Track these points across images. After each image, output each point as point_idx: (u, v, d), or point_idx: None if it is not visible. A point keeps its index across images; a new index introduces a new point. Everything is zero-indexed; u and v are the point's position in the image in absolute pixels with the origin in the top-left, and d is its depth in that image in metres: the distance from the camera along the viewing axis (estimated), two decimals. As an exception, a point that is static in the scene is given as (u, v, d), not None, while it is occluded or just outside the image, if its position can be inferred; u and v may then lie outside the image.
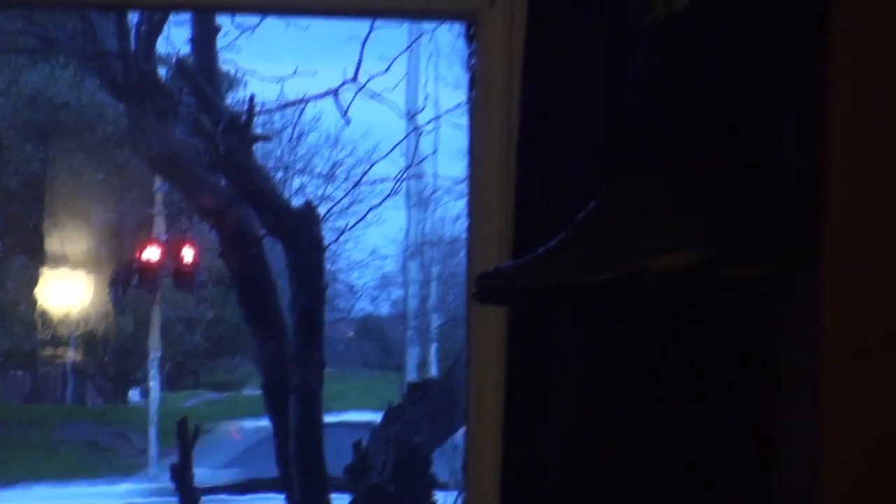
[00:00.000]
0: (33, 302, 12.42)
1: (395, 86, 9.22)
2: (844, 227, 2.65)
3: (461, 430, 8.41)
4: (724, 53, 2.73)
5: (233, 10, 7.46)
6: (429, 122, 9.93)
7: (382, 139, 10.39)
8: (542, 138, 3.23)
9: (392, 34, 9.06)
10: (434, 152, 10.50)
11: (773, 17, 2.73)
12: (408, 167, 10.47)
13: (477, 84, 3.47)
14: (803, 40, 2.73)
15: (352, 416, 12.37)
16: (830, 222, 2.65)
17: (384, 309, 13.67)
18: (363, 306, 13.77)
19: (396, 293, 13.36)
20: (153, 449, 13.91)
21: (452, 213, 12.26)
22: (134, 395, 15.70)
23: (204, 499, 10.61)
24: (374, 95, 9.10)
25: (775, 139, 2.85)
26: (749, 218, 2.80)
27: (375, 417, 10.05)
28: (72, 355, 13.87)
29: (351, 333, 15.27)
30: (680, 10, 2.69)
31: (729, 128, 2.77)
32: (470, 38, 3.51)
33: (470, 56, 3.53)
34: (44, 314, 12.33)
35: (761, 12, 2.73)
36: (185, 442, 10.48)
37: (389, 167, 10.55)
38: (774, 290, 2.90)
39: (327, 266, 10.96)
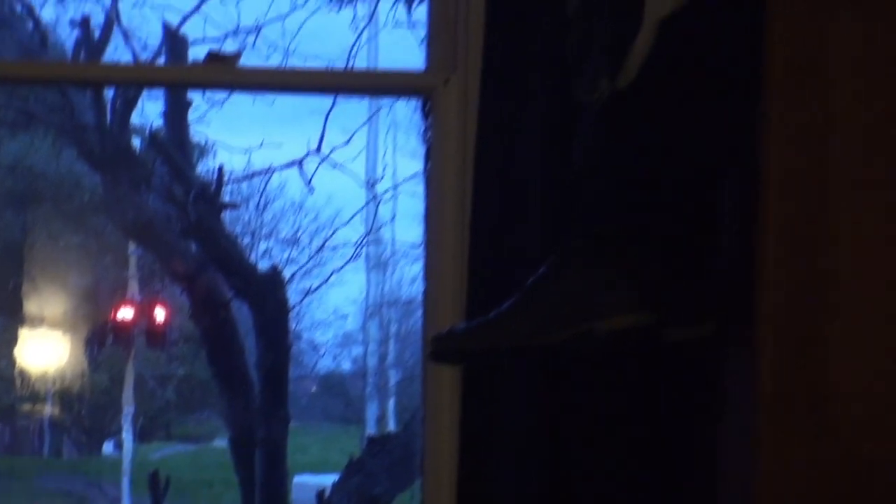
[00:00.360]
0: (12, 360, 12.38)
1: (356, 156, 9.27)
2: (778, 290, 2.66)
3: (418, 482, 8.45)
4: (664, 127, 2.74)
5: (203, 87, 7.49)
6: (387, 190, 9.97)
7: (344, 206, 10.41)
8: (493, 206, 3.24)
9: (353, 108, 9.09)
10: (392, 219, 10.54)
11: (710, 94, 2.75)
12: (368, 233, 10.50)
13: (432, 155, 3.47)
14: (739, 115, 2.74)
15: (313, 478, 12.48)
16: (765, 286, 2.66)
17: (345, 366, 13.68)
18: (326, 363, 13.77)
19: (357, 351, 13.37)
20: (126, 499, 13.84)
21: (409, 275, 12.31)
22: (108, 447, 15.64)
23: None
24: (337, 165, 9.13)
25: (714, 208, 2.87)
26: (690, 282, 2.82)
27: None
28: (49, 410, 13.81)
29: (314, 389, 15.26)
30: (623, 88, 2.70)
31: (669, 197, 2.78)
32: (426, 113, 3.52)
33: (426, 129, 3.54)
34: (22, 371, 12.29)
35: (699, 90, 2.74)
36: (156, 493, 10.47)
37: (351, 232, 10.59)
38: (715, 349, 2.90)
39: (292, 325, 11.00)
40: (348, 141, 9.09)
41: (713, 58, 2.74)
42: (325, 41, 8.88)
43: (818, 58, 2.67)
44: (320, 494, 9.71)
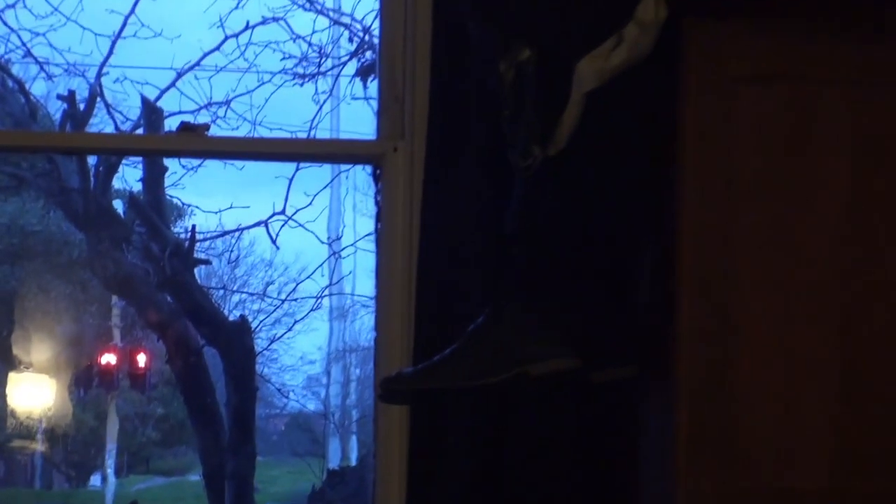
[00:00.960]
0: (5, 401, 12.32)
1: (318, 216, 9.25)
2: (691, 335, 2.68)
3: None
4: (590, 190, 2.75)
5: (177, 155, 7.48)
6: (347, 247, 9.96)
7: (308, 261, 10.40)
8: (437, 263, 3.24)
9: (315, 172, 9.08)
10: (351, 273, 10.52)
11: (630, 159, 2.76)
12: (329, 286, 10.49)
13: (382, 216, 3.48)
14: (655, 179, 2.76)
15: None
16: (681, 332, 2.68)
17: (311, 406, 13.63)
18: (294, 404, 13.73)
19: (321, 392, 13.33)
20: (110, 528, 13.81)
21: (368, 324, 12.33)
22: (95, 479, 15.58)
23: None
24: (300, 225, 9.11)
25: (634, 263, 2.88)
26: (614, 329, 2.82)
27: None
28: (39, 446, 13.73)
29: (283, 427, 15.25)
30: (554, 155, 2.71)
31: (594, 254, 2.79)
32: (377, 178, 3.52)
33: (377, 192, 3.53)
34: (13, 411, 12.23)
35: (622, 156, 2.75)
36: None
37: (314, 285, 10.58)
38: (636, 390, 2.91)
39: (263, 369, 11.02)
40: (311, 203, 9.08)
41: (633, 127, 2.75)
42: (289, 113, 8.89)
43: (724, 127, 2.69)
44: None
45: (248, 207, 9.81)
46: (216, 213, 9.94)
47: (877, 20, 2.72)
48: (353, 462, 12.44)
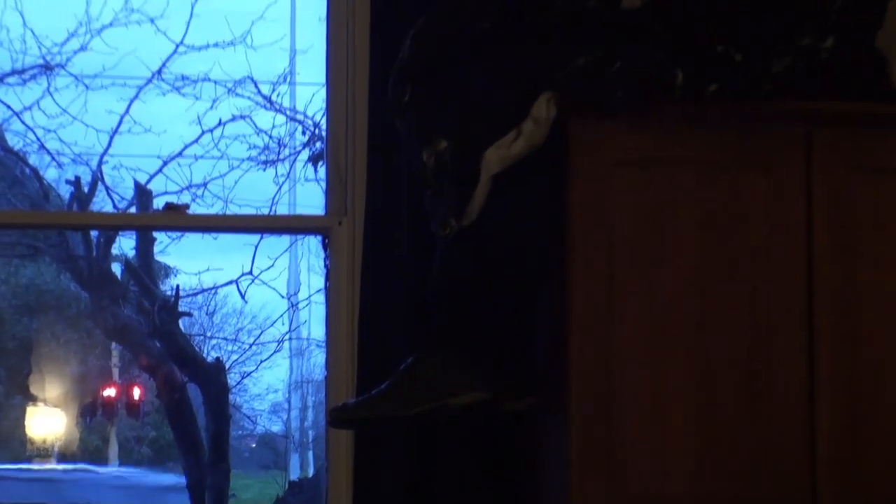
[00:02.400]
0: (24, 429, 12.21)
1: (279, 275, 9.19)
2: (581, 372, 2.67)
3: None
4: (498, 253, 2.74)
5: (164, 228, 7.46)
6: (303, 300, 9.92)
7: (272, 312, 10.33)
8: (375, 313, 3.23)
9: (277, 240, 9.02)
10: (306, 321, 10.48)
11: (531, 229, 2.75)
12: (289, 331, 10.44)
13: (330, 276, 3.46)
14: (551, 246, 2.75)
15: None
16: (573, 369, 2.67)
17: (276, 427, 13.54)
18: (261, 426, 13.65)
19: (283, 416, 13.27)
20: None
21: (321, 362, 12.33)
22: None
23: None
24: (264, 283, 9.07)
25: (533, 313, 2.87)
26: (518, 369, 2.81)
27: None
28: (55, 465, 13.58)
29: (253, 445, 15.14)
30: (467, 226, 2.70)
31: (501, 306, 2.78)
32: (325, 246, 3.50)
33: (326, 257, 3.52)
34: (31, 438, 12.12)
35: (523, 225, 2.75)
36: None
37: (276, 331, 10.53)
38: (538, 417, 2.90)
39: (236, 399, 10.99)
40: (273, 265, 9.03)
41: (531, 202, 2.75)
42: (255, 192, 8.83)
43: (603, 202, 2.70)
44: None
45: (221, 269, 9.80)
46: (196, 274, 9.93)
47: (721, 115, 2.73)
48: (311, 474, 12.35)
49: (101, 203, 8.45)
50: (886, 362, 2.71)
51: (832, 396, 2.69)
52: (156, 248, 9.07)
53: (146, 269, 8.94)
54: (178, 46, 8.41)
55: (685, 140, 2.73)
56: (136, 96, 8.47)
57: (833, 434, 2.68)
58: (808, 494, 2.67)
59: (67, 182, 8.63)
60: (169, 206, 4.30)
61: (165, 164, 8.46)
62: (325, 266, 3.54)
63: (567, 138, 2.69)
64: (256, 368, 11.39)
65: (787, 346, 2.69)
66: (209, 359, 9.69)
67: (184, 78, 8.46)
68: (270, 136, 8.63)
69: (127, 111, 8.44)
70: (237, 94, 8.52)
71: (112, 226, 7.92)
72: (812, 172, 2.72)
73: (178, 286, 9.28)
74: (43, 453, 13.27)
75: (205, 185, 8.51)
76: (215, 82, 8.44)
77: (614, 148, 2.71)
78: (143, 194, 8.33)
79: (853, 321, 2.71)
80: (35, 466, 13.01)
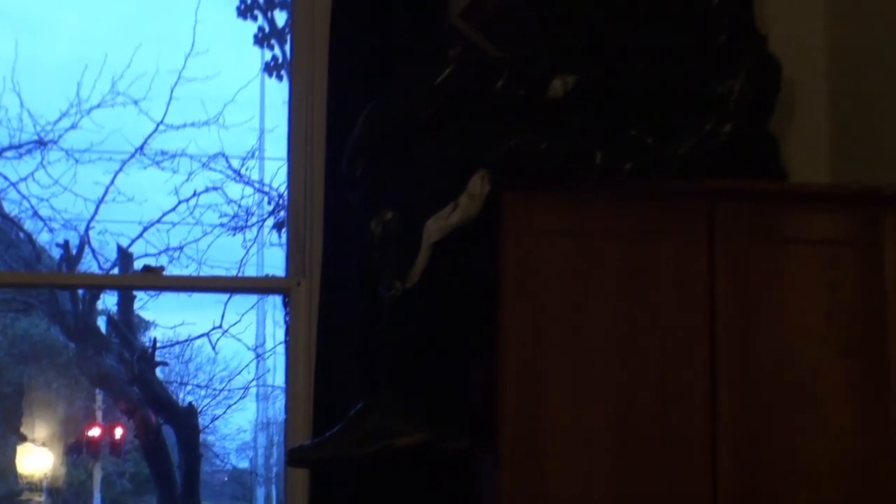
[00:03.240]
0: (16, 466, 12.04)
1: (246, 328, 9.16)
2: (511, 419, 2.65)
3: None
4: (438, 313, 2.74)
5: (142, 288, 7.44)
6: (267, 350, 9.87)
7: (241, 360, 10.27)
8: (329, 364, 3.22)
9: (244, 297, 8.96)
10: (271, 370, 10.43)
11: (467, 293, 2.75)
12: (255, 378, 10.39)
13: (291, 330, 3.45)
14: (485, 307, 2.75)
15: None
16: (503, 416, 2.66)
17: (244, 464, 13.43)
18: (232, 462, 13.54)
19: (251, 453, 13.17)
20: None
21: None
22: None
23: None
24: (233, 336, 9.02)
25: (468, 365, 2.87)
26: (454, 413, 2.80)
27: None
28: (43, 498, 13.38)
29: (225, 479, 15.01)
30: (410, 287, 2.69)
31: (440, 359, 2.78)
32: (286, 303, 3.49)
33: (287, 313, 3.50)
34: (21, 474, 11.95)
35: (461, 289, 2.75)
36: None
37: (244, 377, 10.48)
38: (474, 456, 2.88)
39: (209, 437, 10.91)
40: (240, 320, 8.99)
41: (468, 266, 2.75)
42: (226, 254, 8.77)
43: (533, 266, 2.70)
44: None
45: (195, 323, 9.72)
46: (172, 327, 9.84)
47: (635, 191, 2.74)
48: (274, 504, 12.32)
49: (88, 264, 8.40)
50: (776, 408, 2.71)
51: (731, 438, 2.69)
52: (136, 305, 9.04)
53: (127, 323, 8.90)
54: (158, 125, 8.41)
55: (604, 212, 2.73)
56: (121, 169, 8.45)
57: (732, 473, 2.68)
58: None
59: (58, 245, 8.58)
60: (147, 269, 4.30)
61: (145, 229, 8.43)
62: (286, 321, 3.52)
63: (499, 211, 2.69)
64: (226, 411, 11.34)
65: (692, 394, 2.69)
66: (183, 403, 9.63)
67: (163, 153, 8.46)
68: (239, 206, 8.62)
69: (112, 182, 8.41)
70: (210, 168, 8.52)
71: (97, 285, 7.94)
72: (714, 241, 2.73)
73: (155, 339, 9.25)
74: (33, 487, 13.11)
75: (181, 248, 8.47)
76: (191, 157, 8.44)
77: (541, 219, 2.71)
78: (124, 257, 8.29)
79: (750, 372, 2.71)
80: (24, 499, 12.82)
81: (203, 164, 8.50)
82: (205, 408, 10.83)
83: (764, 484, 2.69)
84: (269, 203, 8.61)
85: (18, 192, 8.46)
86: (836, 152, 3.21)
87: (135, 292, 8.70)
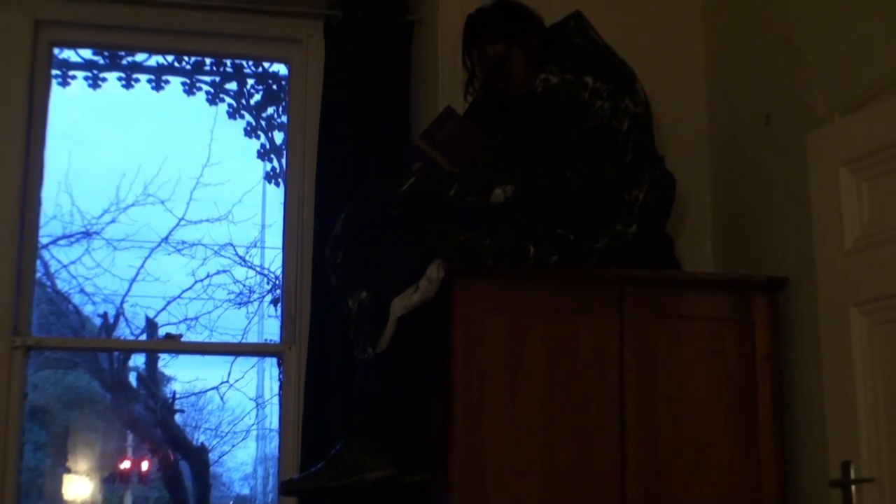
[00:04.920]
0: (62, 494, 11.76)
1: (248, 383, 9.04)
2: (461, 453, 2.60)
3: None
4: (405, 370, 2.69)
5: (165, 351, 7.35)
6: (266, 400, 9.72)
7: (245, 408, 10.09)
8: (314, 412, 3.16)
9: (247, 358, 8.84)
10: (268, 416, 10.29)
11: (428, 352, 2.71)
12: (255, 422, 10.25)
13: (283, 387, 3.38)
14: (441, 362, 2.70)
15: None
16: (454, 452, 2.60)
17: (245, 490, 13.19)
18: (236, 489, 13.28)
19: (252, 482, 12.93)
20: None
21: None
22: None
23: None
24: (238, 389, 8.91)
25: (425, 412, 2.81)
26: (416, 450, 2.75)
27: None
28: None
29: (231, 503, 14.74)
30: (379, 353, 2.65)
31: (405, 411, 2.73)
32: (280, 364, 3.42)
33: (280, 372, 3.44)
34: (67, 500, 11.66)
35: (424, 351, 2.70)
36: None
37: (246, 422, 10.30)
38: (431, 489, 2.82)
39: (217, 468, 10.71)
40: (243, 376, 8.87)
41: (426, 336, 2.70)
42: (233, 324, 8.64)
43: (478, 337, 2.67)
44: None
45: (206, 379, 9.59)
46: (188, 382, 9.70)
47: (561, 278, 2.72)
48: (271, 527, 12.10)
49: (122, 331, 8.26)
50: (673, 449, 2.69)
51: (637, 475, 2.66)
52: (159, 364, 8.92)
53: (152, 378, 8.78)
54: (180, 220, 8.33)
55: (534, 294, 2.71)
56: (149, 255, 8.36)
57: (637, 501, 2.64)
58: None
59: (98, 315, 8.46)
60: (168, 336, 4.25)
61: (168, 303, 8.31)
62: (280, 378, 3.45)
63: (451, 292, 2.66)
64: (231, 449, 11.16)
65: (604, 437, 2.67)
66: (197, 443, 9.46)
67: (183, 243, 8.38)
68: (244, 285, 8.53)
69: (142, 265, 8.32)
70: (221, 255, 8.43)
71: (128, 349, 7.84)
72: (623, 318, 2.72)
73: (174, 391, 9.12)
74: (76, 512, 12.81)
75: (196, 318, 8.36)
76: (205, 246, 8.36)
77: (485, 299, 2.68)
78: (151, 325, 8.17)
79: (651, 421, 2.69)
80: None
81: (215, 252, 8.42)
82: (214, 446, 10.67)
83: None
84: (267, 283, 8.52)
85: (69, 272, 8.35)
86: (717, 249, 3.22)
87: (159, 354, 8.58)
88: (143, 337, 7.92)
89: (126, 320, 8.43)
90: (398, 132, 3.22)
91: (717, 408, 2.71)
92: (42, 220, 3.30)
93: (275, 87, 3.68)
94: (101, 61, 3.51)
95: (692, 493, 2.67)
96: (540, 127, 2.75)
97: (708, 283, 2.85)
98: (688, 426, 2.69)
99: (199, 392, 9.97)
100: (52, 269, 8.21)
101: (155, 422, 8.80)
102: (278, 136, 3.72)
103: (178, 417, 9.26)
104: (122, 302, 8.30)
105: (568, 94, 2.72)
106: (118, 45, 3.47)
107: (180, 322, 8.44)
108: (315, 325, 3.21)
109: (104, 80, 3.52)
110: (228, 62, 3.60)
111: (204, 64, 3.63)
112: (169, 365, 9.47)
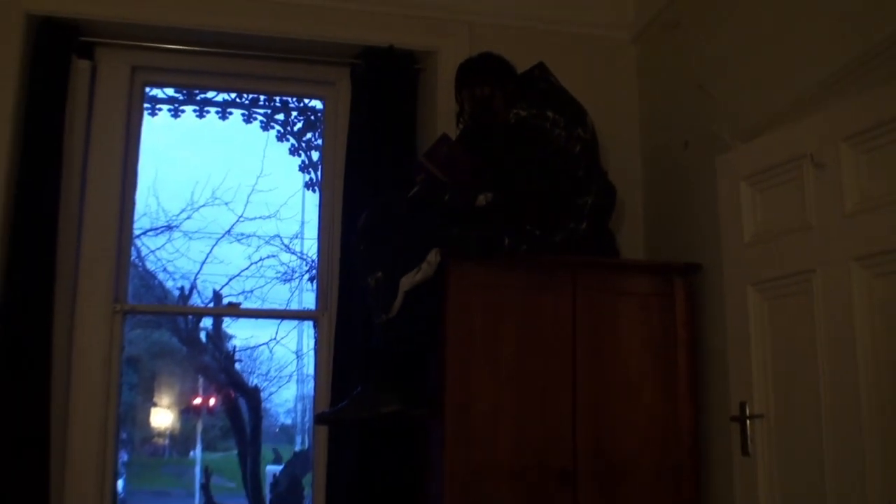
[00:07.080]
0: (150, 421, 11.70)
1: (291, 339, 8.94)
2: (452, 394, 2.56)
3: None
4: (405, 334, 2.65)
5: (228, 315, 7.26)
6: (304, 353, 9.56)
7: (288, 360, 9.95)
8: (341, 365, 3.08)
9: (290, 322, 8.71)
10: (305, 365, 10.09)
11: (425, 317, 2.67)
12: (296, 370, 10.02)
13: (317, 343, 3.32)
14: (437, 330, 2.66)
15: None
16: (448, 394, 2.57)
17: (288, 420, 12.96)
18: (281, 420, 12.97)
19: (293, 415, 12.69)
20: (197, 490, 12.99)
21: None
22: (193, 453, 14.60)
23: None
24: (282, 344, 8.79)
25: (427, 365, 2.77)
26: (415, 391, 2.70)
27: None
28: (167, 441, 12.95)
29: (276, 430, 14.24)
30: (392, 318, 2.61)
31: (409, 363, 2.69)
32: (315, 326, 3.36)
33: (315, 332, 3.39)
34: (155, 427, 11.58)
35: (420, 318, 2.65)
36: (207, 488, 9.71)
37: (289, 370, 10.14)
38: (428, 422, 2.78)
39: (267, 405, 10.57)
40: (287, 335, 8.80)
41: (426, 306, 2.66)
42: (279, 296, 8.52)
43: (466, 306, 2.62)
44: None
45: (258, 336, 9.50)
46: (245, 339, 9.62)
47: (529, 262, 2.68)
48: (307, 446, 11.95)
49: (195, 300, 8.18)
50: (612, 394, 2.66)
51: (586, 414, 2.63)
52: (223, 325, 8.86)
53: (217, 335, 8.71)
54: (239, 217, 8.27)
55: (509, 275, 2.67)
56: (216, 244, 8.29)
57: (585, 433, 2.62)
58: (571, 459, 2.59)
59: (177, 289, 8.40)
60: (230, 304, 4.19)
61: (230, 280, 8.26)
62: (315, 337, 3.41)
63: (446, 272, 2.63)
64: (277, 389, 11.09)
65: (562, 387, 2.63)
66: (251, 385, 9.41)
67: (241, 234, 8.31)
68: (288, 266, 8.47)
69: (210, 251, 8.26)
70: (270, 244, 8.37)
71: (199, 313, 7.75)
72: (576, 293, 2.68)
73: (234, 346, 9.07)
74: (160, 435, 12.71)
75: (251, 291, 8.30)
76: (258, 237, 8.29)
77: (472, 278, 2.64)
78: (217, 296, 8.11)
79: (596, 372, 2.66)
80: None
81: (266, 241, 8.35)
82: (265, 387, 10.61)
83: (606, 439, 2.63)
84: (306, 265, 8.46)
85: (155, 256, 8.29)
86: (647, 241, 3.21)
87: (223, 318, 8.51)
88: (211, 304, 7.88)
89: (198, 292, 8.38)
90: (406, 152, 3.19)
91: (646, 362, 2.69)
92: (135, 216, 3.28)
93: (312, 117, 3.65)
94: (181, 97, 3.48)
95: (627, 425, 2.65)
96: (513, 149, 2.73)
97: (640, 267, 2.82)
98: (623, 375, 2.67)
99: (253, 346, 9.92)
100: (143, 254, 8.16)
101: (219, 368, 8.76)
102: (315, 155, 3.68)
103: (237, 365, 9.23)
104: (195, 278, 8.28)
105: (534, 125, 2.71)
106: (194, 85, 3.47)
107: (239, 294, 8.39)
108: (342, 297, 3.16)
109: (183, 111, 3.50)
110: (278, 98, 3.58)
111: (259, 100, 3.60)
112: (230, 326, 9.43)
